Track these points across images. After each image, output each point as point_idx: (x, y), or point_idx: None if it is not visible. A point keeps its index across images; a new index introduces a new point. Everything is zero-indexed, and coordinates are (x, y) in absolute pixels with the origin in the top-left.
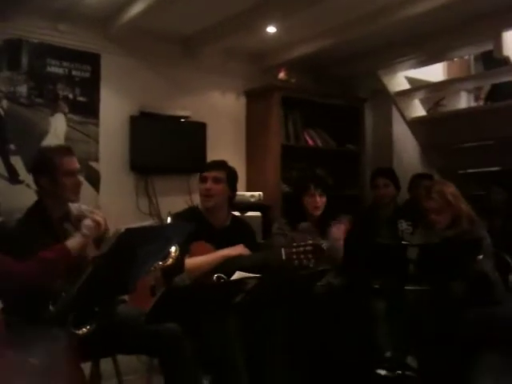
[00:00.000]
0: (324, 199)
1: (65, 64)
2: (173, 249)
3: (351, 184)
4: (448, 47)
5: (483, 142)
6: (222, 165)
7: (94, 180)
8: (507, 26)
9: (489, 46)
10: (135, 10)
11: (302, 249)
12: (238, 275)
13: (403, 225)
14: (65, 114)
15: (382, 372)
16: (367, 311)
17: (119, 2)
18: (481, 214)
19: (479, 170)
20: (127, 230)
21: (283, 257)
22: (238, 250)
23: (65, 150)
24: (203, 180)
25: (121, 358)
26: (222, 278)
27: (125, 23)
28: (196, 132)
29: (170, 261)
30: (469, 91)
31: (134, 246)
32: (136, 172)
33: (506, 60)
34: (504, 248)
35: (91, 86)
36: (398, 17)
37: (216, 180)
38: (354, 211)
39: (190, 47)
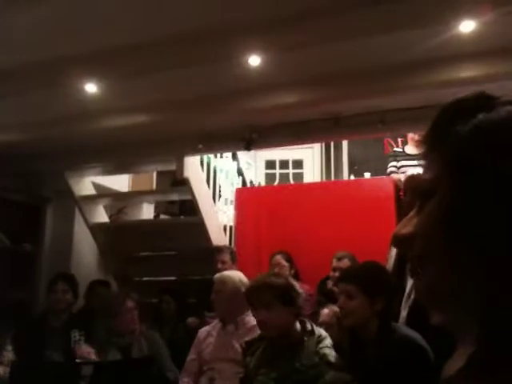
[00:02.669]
0: None
1: None
2: None
3: (24, 286)
4: (134, 162)
5: (161, 252)
6: None
7: None
8: (188, 152)
9: (172, 166)
10: None
11: None
12: None
13: (76, 335)
14: None
15: None
16: None
17: None
18: (152, 322)
19: (156, 278)
20: None
21: None
22: None
23: None
24: None
25: None
26: None
27: None
28: None
29: None
30: (151, 203)
31: None
32: None
33: (185, 181)
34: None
35: None
36: (91, 125)
37: None
38: (23, 317)
39: None
